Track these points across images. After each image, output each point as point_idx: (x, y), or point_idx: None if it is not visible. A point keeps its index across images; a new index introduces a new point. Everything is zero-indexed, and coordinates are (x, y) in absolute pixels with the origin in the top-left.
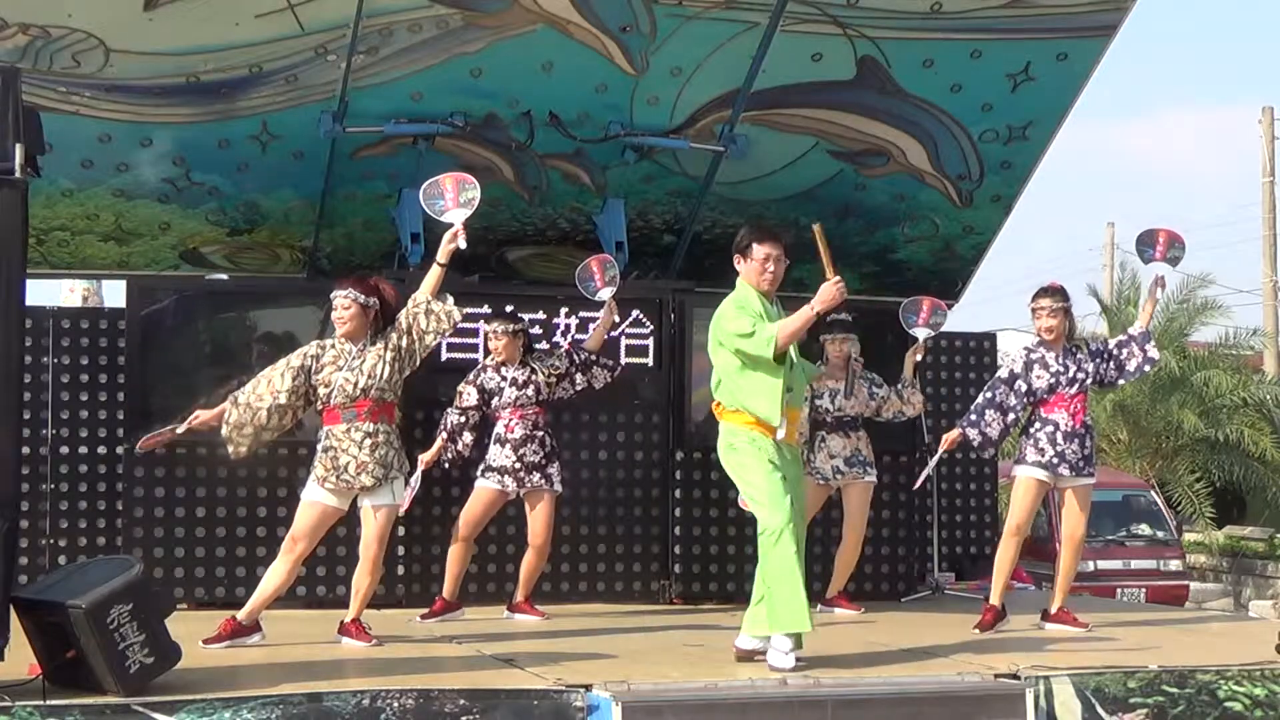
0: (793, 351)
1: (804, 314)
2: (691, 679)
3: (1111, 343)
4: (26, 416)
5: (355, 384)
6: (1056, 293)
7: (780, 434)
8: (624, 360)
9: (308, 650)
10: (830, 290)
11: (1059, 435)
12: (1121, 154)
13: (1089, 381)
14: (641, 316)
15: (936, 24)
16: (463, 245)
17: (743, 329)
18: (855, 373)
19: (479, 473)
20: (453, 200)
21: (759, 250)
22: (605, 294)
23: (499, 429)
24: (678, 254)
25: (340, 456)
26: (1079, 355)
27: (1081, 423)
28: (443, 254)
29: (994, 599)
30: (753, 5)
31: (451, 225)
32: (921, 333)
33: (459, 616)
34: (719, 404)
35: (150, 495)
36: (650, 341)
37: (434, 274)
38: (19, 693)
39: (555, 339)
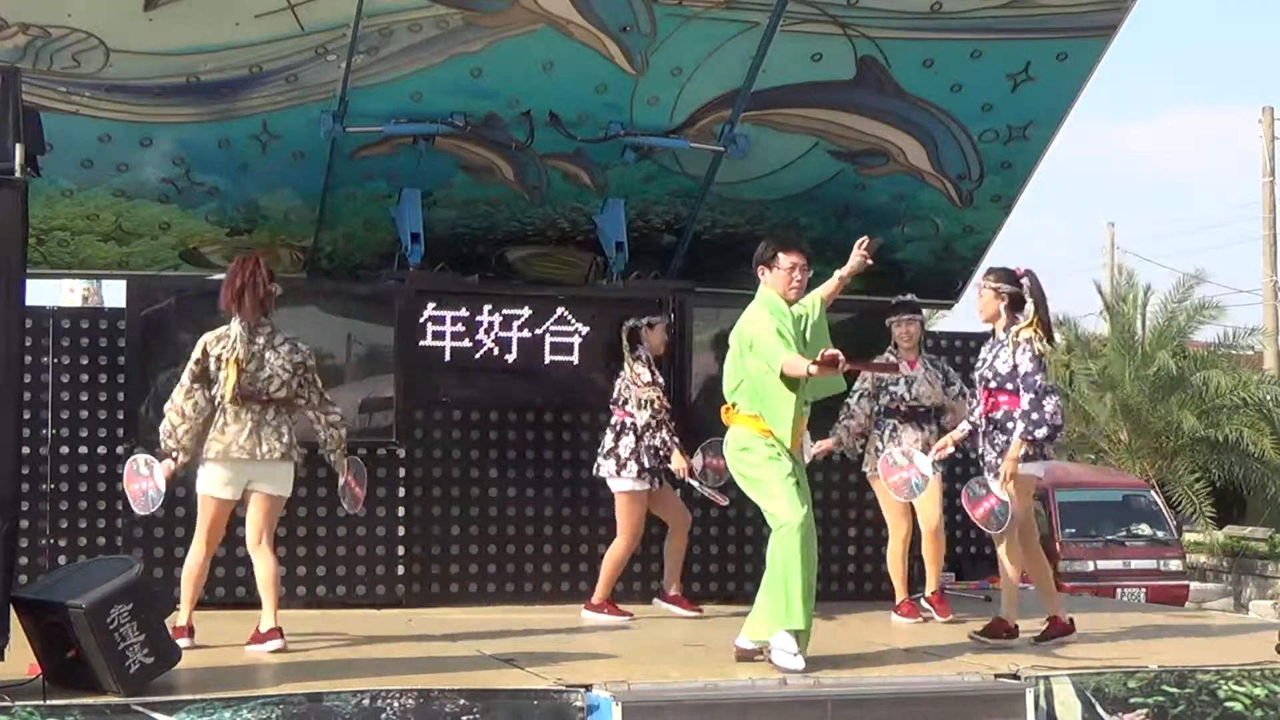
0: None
1: (800, 367)
2: (691, 679)
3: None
4: (26, 416)
5: None
6: (988, 272)
7: (807, 450)
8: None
9: (308, 650)
10: (830, 360)
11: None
12: (1122, 154)
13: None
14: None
15: (936, 24)
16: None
17: (779, 334)
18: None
19: (634, 474)
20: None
21: (785, 260)
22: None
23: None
24: (678, 254)
25: None
26: (999, 351)
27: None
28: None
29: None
30: (753, 5)
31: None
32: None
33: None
34: (732, 407)
35: None
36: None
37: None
38: (19, 693)
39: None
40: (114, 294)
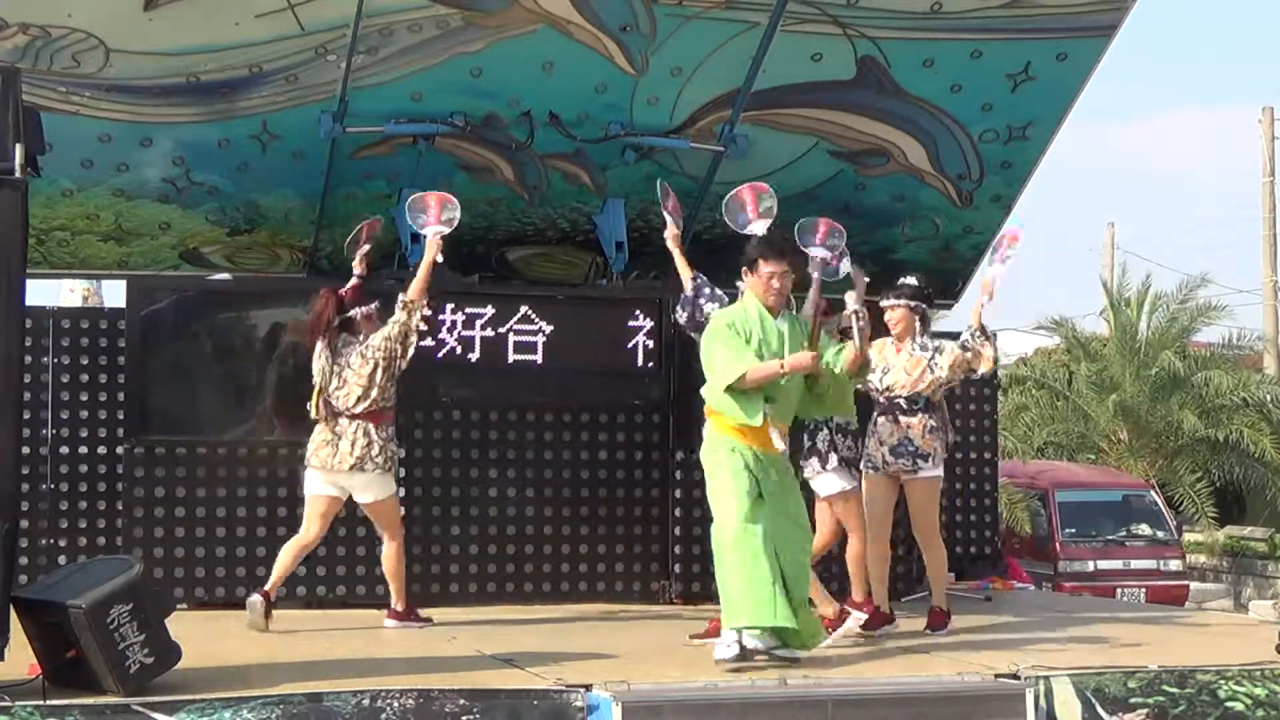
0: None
1: (771, 367)
2: (691, 679)
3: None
4: (26, 416)
5: None
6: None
7: (778, 445)
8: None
9: (308, 650)
10: (805, 358)
11: None
12: (1121, 154)
13: None
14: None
15: (936, 24)
16: (439, 259)
17: (722, 355)
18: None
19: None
20: (433, 217)
21: (764, 268)
22: (431, 232)
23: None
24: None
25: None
26: None
27: None
28: (426, 262)
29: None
30: (753, 5)
31: (428, 236)
32: (818, 252)
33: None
34: (707, 405)
35: (150, 495)
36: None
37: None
38: (19, 693)
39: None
40: (114, 294)
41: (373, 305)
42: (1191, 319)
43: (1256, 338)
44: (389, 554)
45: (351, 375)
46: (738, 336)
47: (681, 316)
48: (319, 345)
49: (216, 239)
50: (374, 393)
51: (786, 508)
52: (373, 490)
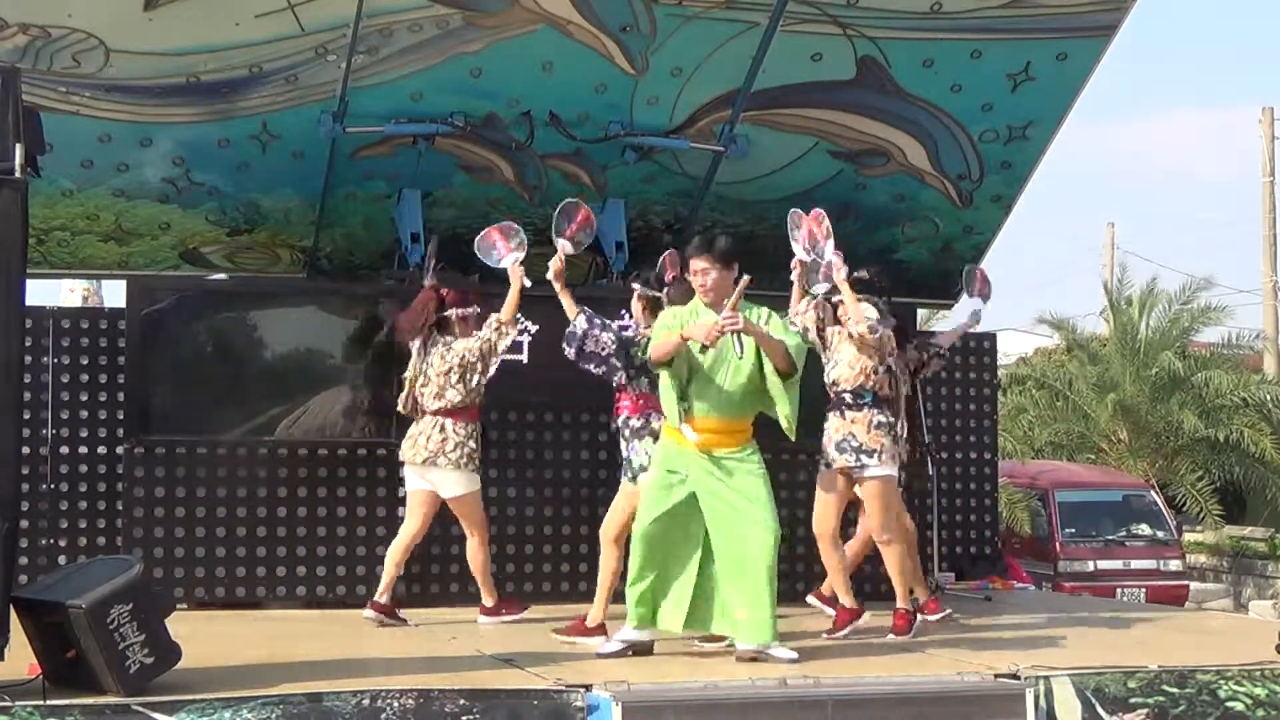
0: (727, 364)
1: (671, 338)
2: (691, 679)
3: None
4: (26, 416)
5: None
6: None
7: (690, 437)
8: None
9: (308, 650)
10: (704, 325)
11: None
12: (1121, 154)
13: None
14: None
15: (936, 24)
16: (528, 284)
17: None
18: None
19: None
20: (505, 248)
21: (690, 265)
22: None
23: None
24: None
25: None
26: None
27: None
28: (515, 289)
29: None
30: (753, 5)
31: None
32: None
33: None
34: None
35: (150, 495)
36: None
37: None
38: (19, 693)
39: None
40: (114, 294)
41: (472, 309)
42: (1192, 319)
43: (1256, 337)
44: (471, 550)
45: (433, 373)
46: (666, 328)
47: (570, 352)
48: (415, 341)
49: (216, 239)
50: (449, 393)
51: (733, 506)
52: (449, 486)
